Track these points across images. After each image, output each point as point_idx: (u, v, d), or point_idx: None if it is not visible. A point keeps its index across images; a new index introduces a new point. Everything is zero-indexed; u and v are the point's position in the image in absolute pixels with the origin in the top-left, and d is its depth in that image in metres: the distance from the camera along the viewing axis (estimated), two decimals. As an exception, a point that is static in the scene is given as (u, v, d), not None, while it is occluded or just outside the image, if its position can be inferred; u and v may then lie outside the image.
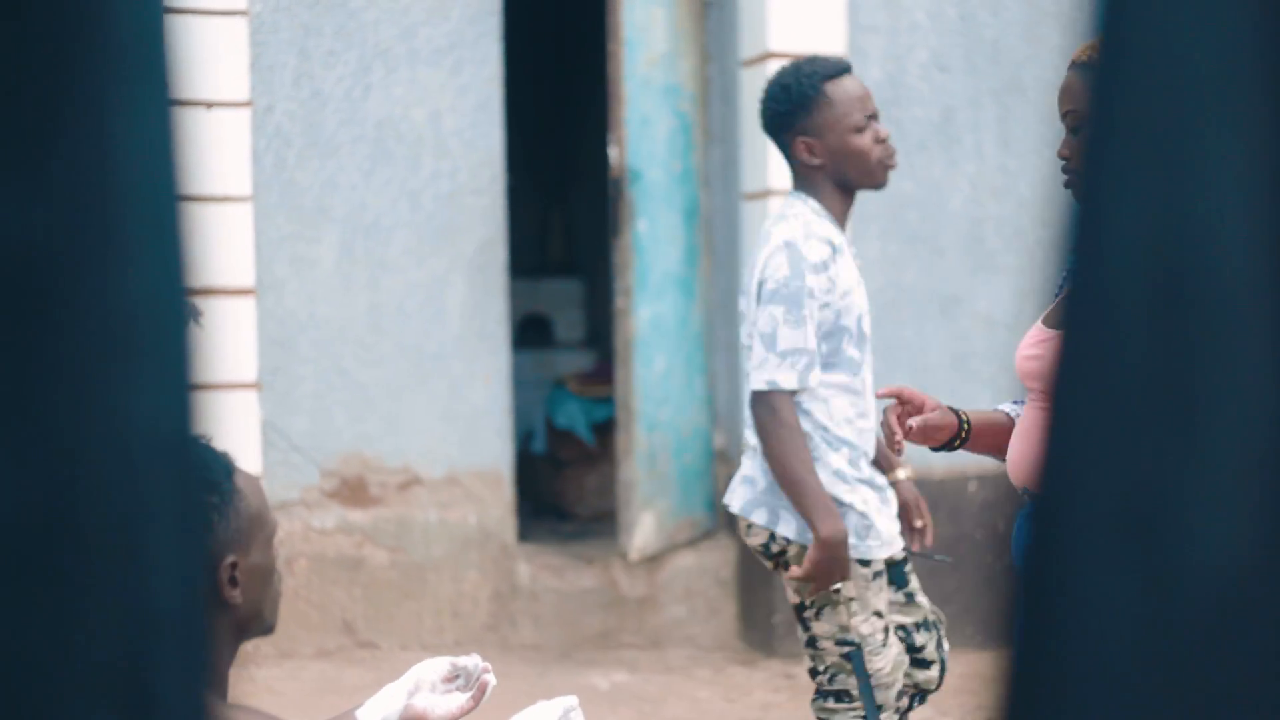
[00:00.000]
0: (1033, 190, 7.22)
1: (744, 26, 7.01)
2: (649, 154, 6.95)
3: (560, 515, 8.72)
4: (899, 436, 3.30)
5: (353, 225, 6.57)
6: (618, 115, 6.84)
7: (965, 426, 3.33)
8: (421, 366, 6.70)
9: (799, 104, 3.96)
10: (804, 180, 4.02)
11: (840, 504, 3.87)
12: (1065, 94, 3.03)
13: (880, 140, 3.94)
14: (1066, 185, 2.98)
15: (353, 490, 6.58)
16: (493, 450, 6.82)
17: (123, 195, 0.88)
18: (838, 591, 3.88)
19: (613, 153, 6.89)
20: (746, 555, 7.04)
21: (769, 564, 4.07)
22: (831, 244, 3.92)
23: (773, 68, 6.76)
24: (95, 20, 0.90)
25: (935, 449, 3.40)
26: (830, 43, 6.87)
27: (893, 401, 3.35)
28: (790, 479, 3.80)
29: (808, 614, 3.97)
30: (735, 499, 4.04)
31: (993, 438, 3.40)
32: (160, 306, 0.93)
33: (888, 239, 7.04)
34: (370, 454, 6.61)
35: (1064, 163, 3.03)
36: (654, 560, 7.05)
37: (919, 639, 4.09)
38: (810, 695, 4.06)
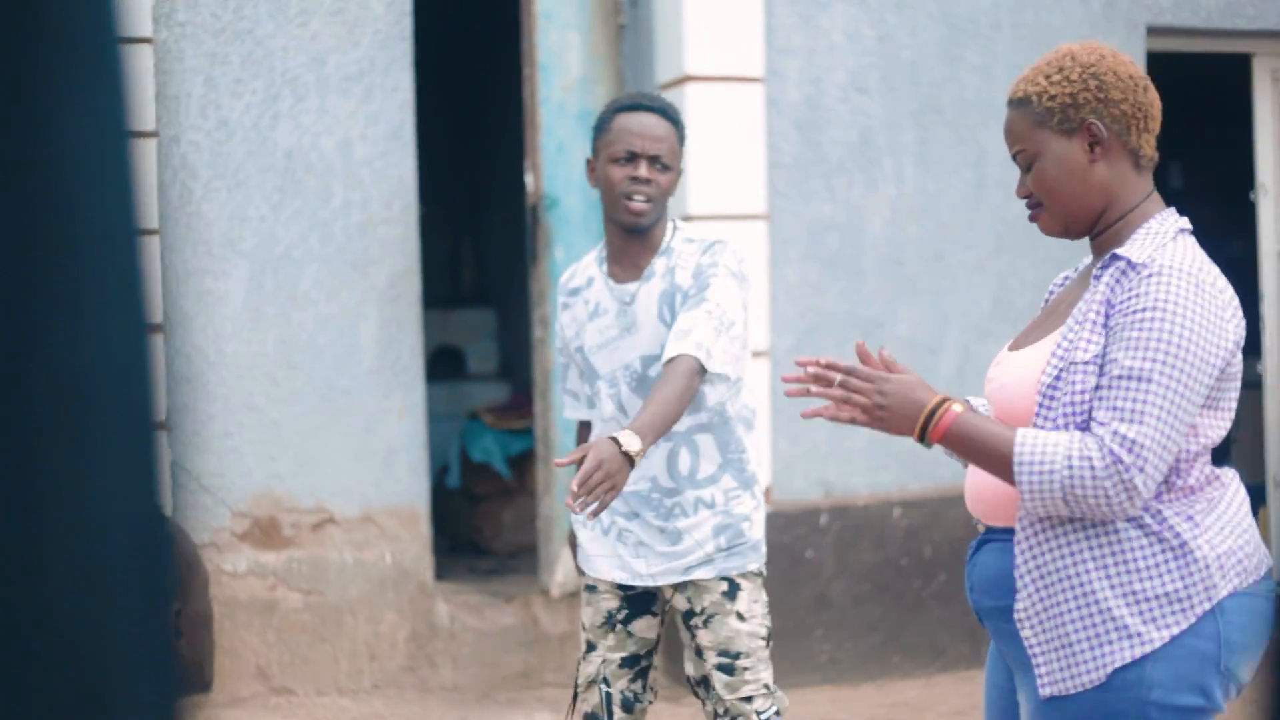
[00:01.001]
0: (953, 212, 7.15)
1: (660, 50, 6.90)
2: (565, 180, 6.82)
3: (477, 551, 8.56)
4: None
5: (262, 258, 6.39)
6: (533, 142, 6.71)
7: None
8: (334, 402, 6.53)
9: (597, 125, 4.06)
10: None
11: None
12: (1009, 134, 2.93)
13: (633, 178, 3.94)
14: (1033, 219, 2.94)
15: (264, 531, 6.39)
16: (408, 487, 6.65)
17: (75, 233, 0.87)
18: None
19: (529, 180, 6.75)
20: (671, 589, 6.90)
21: None
22: (565, 287, 4.17)
23: (692, 91, 6.69)
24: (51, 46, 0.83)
25: None
26: (747, 65, 6.78)
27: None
28: None
29: (694, 621, 4.09)
30: None
31: None
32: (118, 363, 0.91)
33: (807, 263, 6.94)
34: (282, 493, 6.42)
35: (1026, 200, 2.94)
36: (576, 596, 6.89)
37: (609, 672, 4.12)
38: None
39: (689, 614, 4.01)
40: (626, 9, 7.10)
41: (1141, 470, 2.60)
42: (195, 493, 6.26)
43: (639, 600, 4.07)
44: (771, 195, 6.87)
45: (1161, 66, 7.91)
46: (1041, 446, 2.66)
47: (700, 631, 4.00)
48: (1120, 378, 2.64)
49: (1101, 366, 2.69)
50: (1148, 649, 2.67)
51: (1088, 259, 3.05)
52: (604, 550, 4.04)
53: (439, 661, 6.73)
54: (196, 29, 6.24)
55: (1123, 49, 7.30)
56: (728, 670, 3.97)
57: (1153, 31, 7.50)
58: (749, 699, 3.99)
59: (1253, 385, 8.27)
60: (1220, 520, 2.74)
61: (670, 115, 4.00)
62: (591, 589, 4.10)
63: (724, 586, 3.98)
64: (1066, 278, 3.11)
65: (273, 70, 6.36)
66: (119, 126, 0.86)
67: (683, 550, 3.96)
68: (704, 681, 4.03)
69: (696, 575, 3.96)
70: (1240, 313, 2.77)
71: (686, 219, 6.69)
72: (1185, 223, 2.86)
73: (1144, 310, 2.65)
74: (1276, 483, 7.89)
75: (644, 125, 3.94)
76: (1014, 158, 2.92)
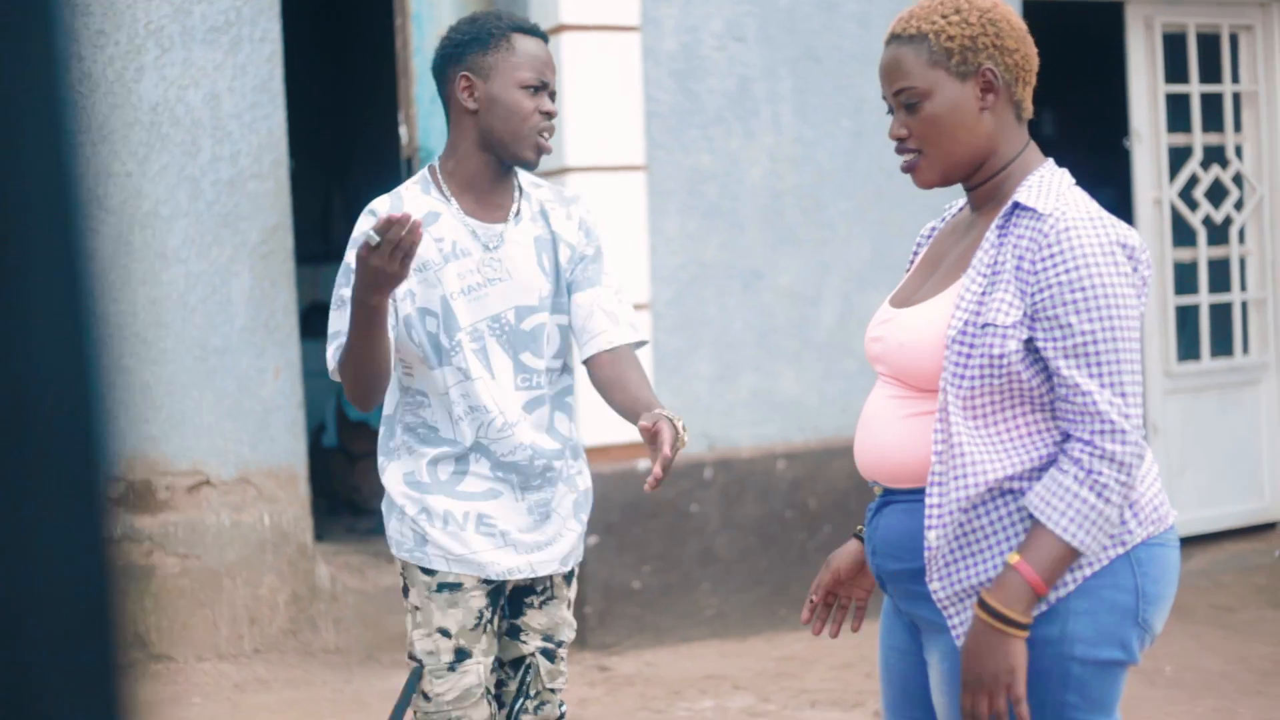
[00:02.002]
0: (832, 160, 7.11)
1: (533, -1, 6.80)
2: (440, 131, 6.70)
3: (355, 510, 8.45)
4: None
5: (128, 215, 6.22)
6: (406, 93, 6.58)
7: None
8: (207, 362, 6.39)
9: (477, 38, 3.58)
10: (450, 139, 3.64)
11: (394, 507, 3.60)
12: (894, 70, 2.81)
13: (544, 112, 3.56)
14: (906, 169, 2.85)
15: (139, 495, 6.24)
16: (285, 447, 6.53)
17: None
18: (406, 598, 3.61)
19: (403, 132, 6.63)
20: (554, 545, 6.84)
21: None
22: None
23: (567, 41, 6.59)
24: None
25: None
26: (623, 13, 6.69)
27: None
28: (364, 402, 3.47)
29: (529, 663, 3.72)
30: None
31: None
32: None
33: (687, 214, 6.88)
34: (156, 456, 6.28)
35: (899, 143, 2.84)
36: (458, 554, 6.81)
37: (504, 677, 3.72)
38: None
39: (526, 591, 3.69)
40: (500, -43, 6.98)
41: (1139, 425, 2.61)
42: (64, 457, 6.10)
43: (495, 593, 3.64)
44: (649, 146, 6.80)
45: (1036, 14, 7.92)
46: (1068, 503, 2.61)
47: (533, 612, 3.68)
48: (1084, 343, 2.60)
49: (1033, 327, 2.64)
50: (1064, 591, 2.65)
51: (954, 205, 3.02)
52: (475, 544, 3.58)
53: (321, 624, 6.63)
54: (56, -21, 6.05)
55: (999, -5, 7.28)
56: (550, 656, 3.70)
57: (1027, -22, 7.50)
58: (556, 690, 3.72)
59: (1130, 331, 8.33)
60: None
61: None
62: (454, 588, 3.56)
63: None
64: (934, 228, 3.05)
65: (135, 21, 6.19)
66: (55, 96, 0.77)
67: (554, 534, 3.65)
68: (514, 664, 3.70)
69: (573, 564, 3.70)
70: (1145, 251, 2.74)
71: (565, 171, 6.60)
72: (1069, 177, 2.82)
73: (1076, 268, 2.61)
74: (1155, 429, 7.95)
75: (548, 55, 3.61)
76: (892, 96, 2.81)
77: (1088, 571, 2.66)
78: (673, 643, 6.77)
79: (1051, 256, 2.62)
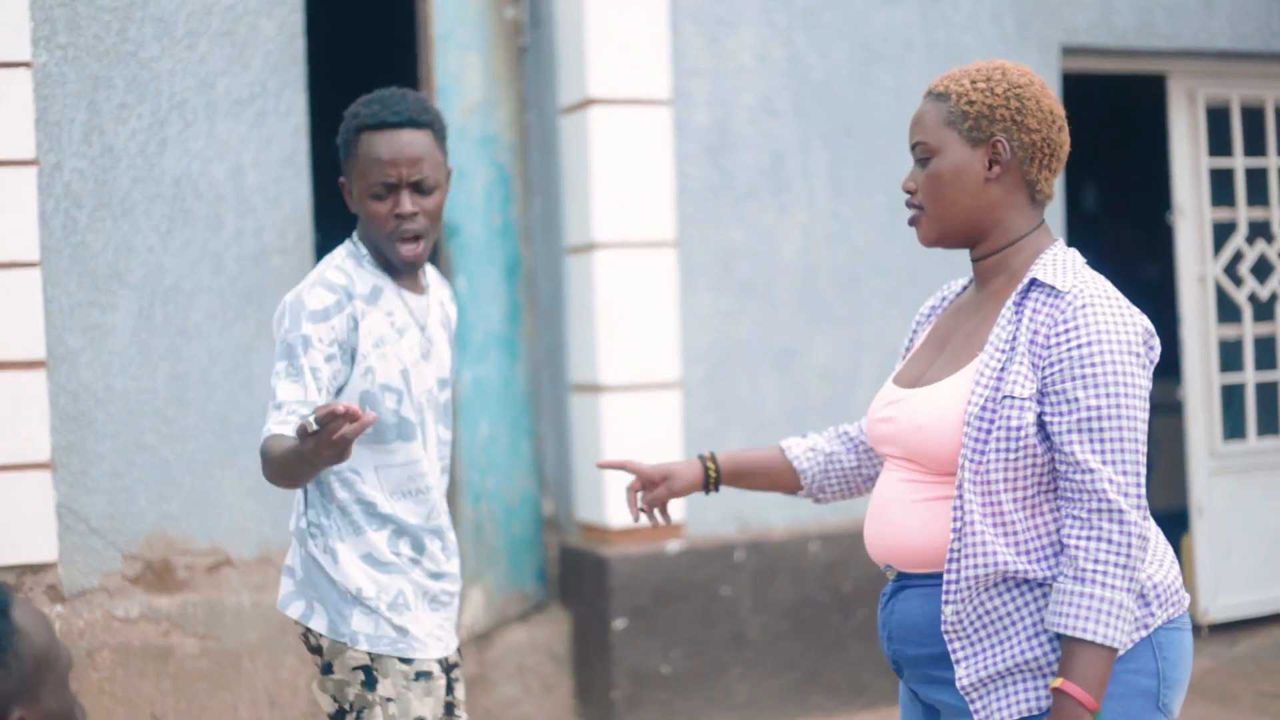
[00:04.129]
0: (867, 236, 6.99)
1: (562, 72, 6.72)
2: (466, 207, 6.61)
3: (382, 589, 8.32)
4: (635, 518, 3.28)
5: (150, 290, 6.14)
6: (433, 167, 6.49)
7: (713, 474, 3.26)
8: (228, 440, 6.28)
9: (341, 141, 3.56)
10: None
11: (360, 601, 3.46)
12: (916, 123, 2.89)
13: (398, 215, 3.45)
14: (911, 222, 2.88)
15: (158, 574, 6.13)
16: (308, 526, 6.40)
17: None
18: (373, 691, 3.47)
19: (429, 207, 6.53)
20: (581, 627, 6.71)
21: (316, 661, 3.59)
22: (347, 291, 3.50)
23: (596, 115, 6.50)
24: None
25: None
26: (653, 87, 6.60)
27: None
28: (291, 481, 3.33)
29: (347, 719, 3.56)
30: (280, 591, 3.61)
31: (766, 478, 3.33)
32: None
33: (719, 291, 6.77)
34: (175, 535, 6.17)
35: (909, 196, 2.89)
36: (483, 637, 6.68)
37: None
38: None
39: (453, 667, 3.63)
40: (528, 30, 6.90)
41: (1139, 506, 2.61)
42: (84, 535, 6.00)
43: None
44: (680, 221, 6.69)
45: (1076, 87, 7.81)
46: (1077, 605, 2.60)
47: (459, 686, 3.64)
48: (1089, 419, 2.61)
49: (1042, 401, 2.65)
50: None
51: (952, 286, 3.05)
52: (436, 623, 3.56)
53: (341, 707, 6.49)
54: (79, 51, 5.99)
55: (1037, 69, 7.21)
56: None
57: (1067, 51, 7.39)
58: None
59: (1173, 409, 8.17)
60: (1150, 552, 2.74)
61: (424, 120, 3.48)
62: (427, 675, 3.51)
63: None
64: (934, 308, 3.06)
65: (159, 94, 6.12)
66: None
67: (457, 603, 3.65)
68: None
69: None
70: (1156, 338, 2.75)
71: (593, 248, 6.50)
72: (1081, 257, 2.83)
73: (1089, 344, 2.62)
74: (1200, 510, 7.77)
75: (397, 147, 3.41)
76: (912, 149, 2.87)
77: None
78: (703, 729, 6.62)
79: (1066, 332, 2.63)
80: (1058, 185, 7.12)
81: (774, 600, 6.76)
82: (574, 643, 6.77)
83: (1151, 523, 2.79)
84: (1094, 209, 11.31)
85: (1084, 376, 2.61)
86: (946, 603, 2.71)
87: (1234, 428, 8.02)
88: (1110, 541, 2.57)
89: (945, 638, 2.73)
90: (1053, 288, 2.69)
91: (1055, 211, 7.18)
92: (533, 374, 6.97)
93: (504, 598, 6.76)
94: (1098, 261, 9.25)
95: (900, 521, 2.82)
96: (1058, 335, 2.64)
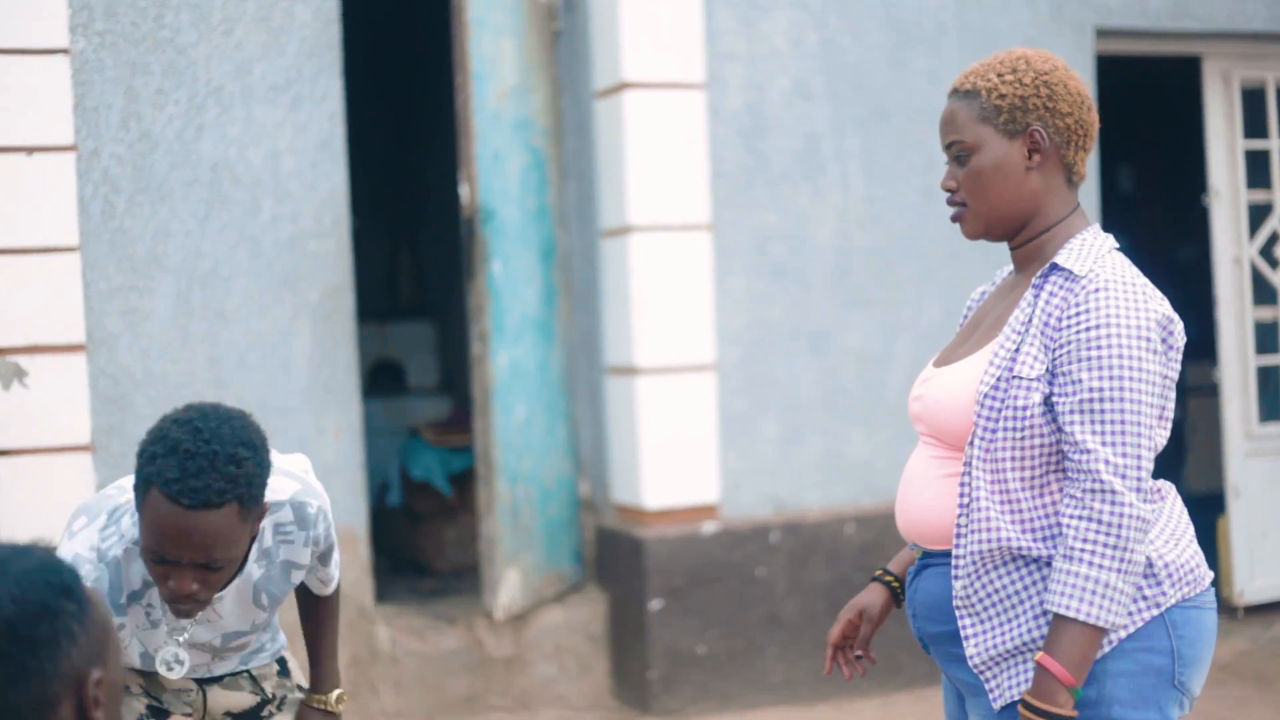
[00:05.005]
0: (901, 220, 7.00)
1: (597, 56, 6.73)
2: (502, 191, 6.63)
3: (419, 570, 8.38)
4: (848, 676, 3.18)
5: (188, 274, 6.18)
6: (468, 151, 6.52)
7: (896, 586, 3.17)
8: (267, 422, 6.26)
9: (135, 481, 2.91)
10: None
11: None
12: (948, 123, 2.90)
13: (174, 593, 2.89)
14: (955, 219, 2.91)
15: (197, 556, 6.17)
16: (346, 508, 6.45)
17: None
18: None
19: (464, 191, 6.56)
20: (618, 608, 6.74)
21: None
22: (104, 576, 3.07)
23: (629, 99, 6.52)
24: None
25: None
26: (687, 71, 6.62)
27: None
28: None
29: (267, 710, 3.58)
30: None
31: None
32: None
33: (753, 274, 6.78)
34: (215, 517, 6.20)
35: (950, 194, 2.92)
36: (520, 618, 6.71)
37: None
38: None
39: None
40: (562, 14, 6.92)
41: (1137, 489, 2.63)
42: (124, 518, 6.05)
43: None
44: (715, 205, 6.71)
45: (1111, 69, 7.80)
46: (1064, 583, 2.63)
47: None
48: (1091, 400, 2.64)
49: (1052, 382, 2.69)
50: (1100, 652, 2.67)
51: (1003, 271, 3.06)
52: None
53: (380, 687, 6.54)
54: (116, 38, 6.03)
55: (1071, 51, 7.21)
56: None
57: (1101, 34, 7.38)
58: None
59: (1209, 392, 8.16)
60: (1164, 532, 2.76)
61: (223, 500, 2.80)
62: None
63: None
64: (984, 292, 3.11)
65: (196, 80, 6.15)
66: None
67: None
68: None
69: None
70: (1179, 324, 2.77)
71: (628, 231, 6.52)
72: (1113, 241, 2.85)
73: (1097, 327, 2.65)
74: (1236, 491, 7.76)
75: (185, 530, 2.79)
76: (946, 149, 2.89)
77: (1123, 634, 2.68)
78: (738, 709, 6.65)
79: (1077, 315, 2.67)
80: (1092, 168, 7.13)
81: (809, 581, 6.78)
82: (610, 623, 6.81)
83: (1177, 503, 2.83)
84: (1129, 191, 11.28)
85: (1089, 358, 2.63)
86: (955, 578, 2.76)
87: (1270, 410, 8.00)
88: (1100, 522, 2.60)
89: (956, 613, 2.78)
90: (1070, 271, 2.73)
91: (1090, 194, 7.17)
92: (568, 357, 7.00)
93: (540, 579, 6.80)
94: (1133, 244, 9.19)
95: (922, 495, 2.87)
96: (1070, 318, 2.67)
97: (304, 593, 3.54)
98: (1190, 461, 9.70)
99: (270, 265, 6.30)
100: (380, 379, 10.03)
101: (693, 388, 6.66)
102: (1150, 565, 2.69)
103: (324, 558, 3.36)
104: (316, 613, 3.59)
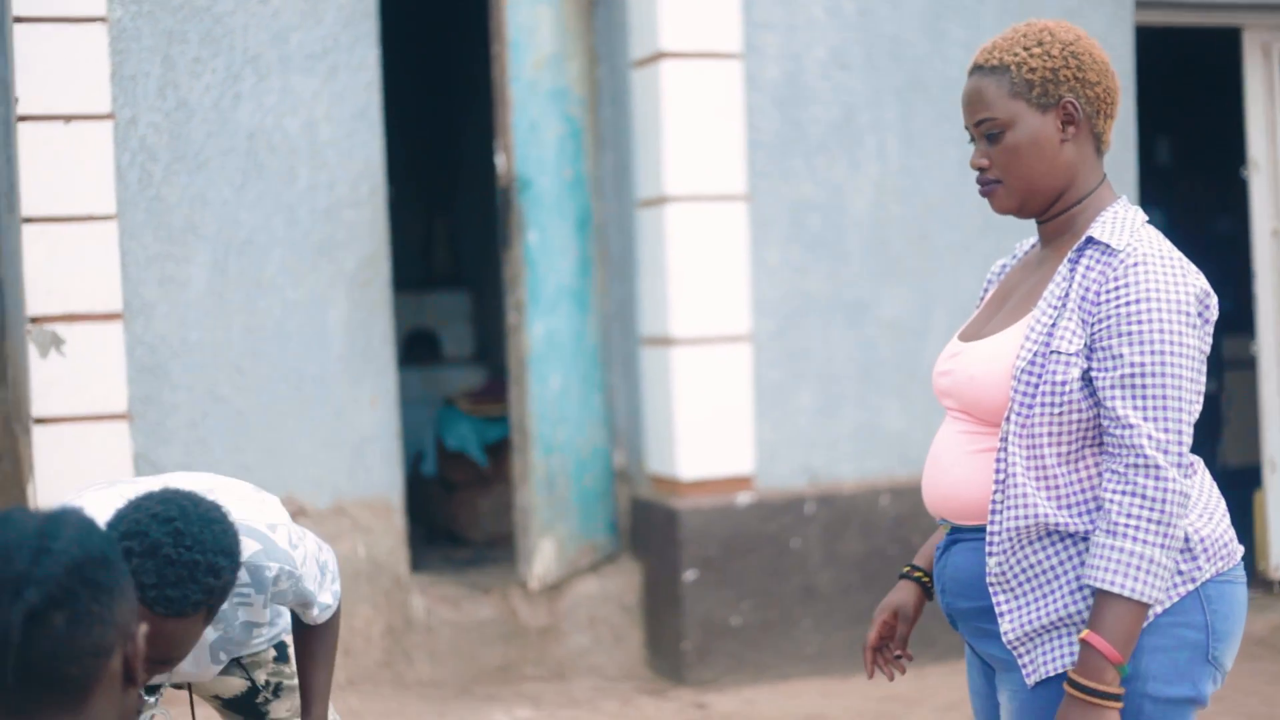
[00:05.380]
0: (939, 191, 6.97)
1: (634, 26, 6.72)
2: (538, 161, 6.62)
3: (454, 540, 8.39)
4: (890, 676, 3.18)
5: (225, 243, 6.20)
6: (504, 121, 6.51)
7: (926, 580, 3.14)
8: (302, 391, 6.34)
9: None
10: None
11: None
12: (975, 101, 2.85)
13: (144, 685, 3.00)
14: (984, 195, 2.88)
15: (233, 524, 6.20)
16: (381, 477, 6.47)
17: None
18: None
19: (500, 160, 6.56)
20: (652, 579, 6.74)
21: None
22: None
23: (667, 68, 6.50)
24: None
25: None
26: (724, 41, 6.60)
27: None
28: None
29: (262, 697, 3.54)
30: None
31: None
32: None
33: (789, 245, 6.76)
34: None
35: (980, 173, 2.88)
36: (555, 588, 6.73)
37: None
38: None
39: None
40: (600, -17, 6.91)
41: (1179, 464, 2.62)
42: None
43: None
44: (751, 175, 6.69)
45: (1150, 40, 7.75)
46: (1107, 558, 2.62)
47: None
48: (1132, 375, 2.63)
49: (1091, 356, 2.68)
50: None
51: (1024, 243, 3.05)
52: None
53: (415, 656, 6.56)
54: (153, 6, 6.03)
55: (1111, 22, 7.15)
56: None
57: (1141, 4, 7.33)
58: None
59: (1247, 365, 8.12)
60: (1197, 506, 2.75)
61: (204, 607, 2.73)
62: None
63: None
64: (1004, 265, 3.08)
65: (233, 48, 6.16)
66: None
67: None
68: None
69: None
70: (1214, 298, 2.74)
71: (664, 201, 6.50)
72: (1144, 214, 2.83)
73: (1137, 301, 2.64)
74: (1273, 465, 7.73)
75: (165, 635, 2.71)
76: (974, 127, 2.85)
77: (1158, 609, 2.66)
78: (772, 680, 6.65)
79: (1116, 289, 2.65)
80: (1130, 140, 7.09)
81: (844, 553, 6.77)
82: (644, 594, 6.81)
83: (1206, 477, 2.81)
84: (1167, 163, 11.21)
85: (1130, 333, 2.62)
86: (990, 554, 2.74)
87: (1308, 383, 7.95)
88: (1145, 497, 2.58)
89: (990, 590, 2.76)
90: (1107, 245, 2.71)
91: (1127, 166, 7.13)
92: (604, 327, 7.00)
93: (575, 549, 6.81)
94: (1170, 216, 9.13)
95: (952, 471, 2.84)
96: (1108, 292, 2.65)
97: (296, 619, 3.39)
98: (1226, 435, 9.65)
99: (307, 234, 6.31)
100: (416, 348, 10.03)
101: (728, 358, 6.65)
102: (1186, 540, 2.68)
103: (304, 605, 3.26)
104: (308, 643, 3.39)
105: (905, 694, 6.41)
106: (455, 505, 8.45)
